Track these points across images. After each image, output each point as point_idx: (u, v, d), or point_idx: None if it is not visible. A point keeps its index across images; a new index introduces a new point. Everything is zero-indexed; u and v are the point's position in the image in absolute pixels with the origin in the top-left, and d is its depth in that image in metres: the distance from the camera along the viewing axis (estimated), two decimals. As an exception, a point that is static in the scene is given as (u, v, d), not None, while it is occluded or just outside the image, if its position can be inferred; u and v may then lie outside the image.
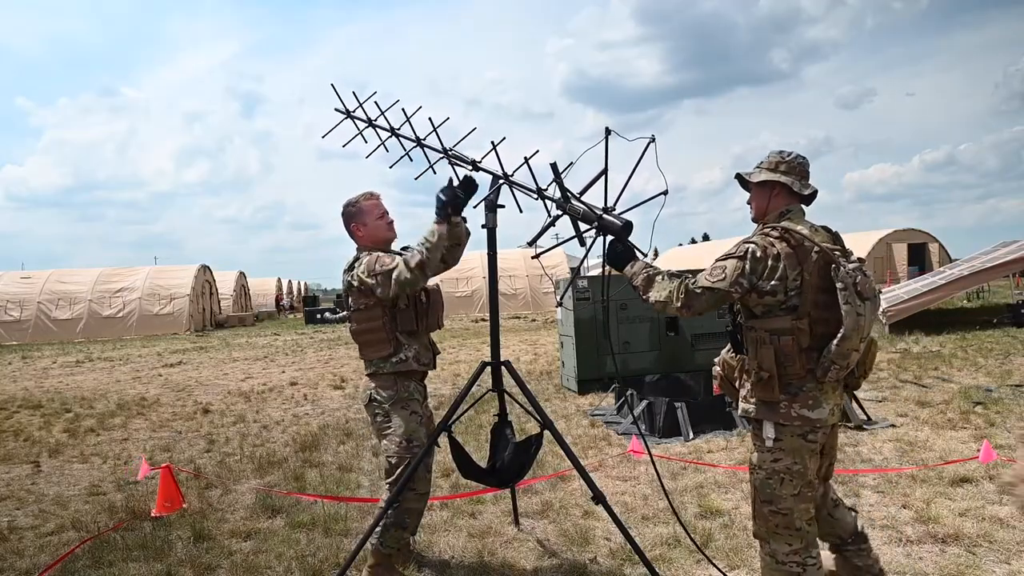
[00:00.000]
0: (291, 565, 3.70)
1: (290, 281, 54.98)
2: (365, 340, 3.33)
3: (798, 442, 2.66)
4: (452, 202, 2.99)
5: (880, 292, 15.70)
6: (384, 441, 3.31)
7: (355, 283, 3.25)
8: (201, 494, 5.04)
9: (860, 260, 2.66)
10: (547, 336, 16.94)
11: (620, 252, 2.85)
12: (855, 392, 6.48)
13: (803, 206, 2.85)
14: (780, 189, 2.77)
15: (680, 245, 70.89)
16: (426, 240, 3.05)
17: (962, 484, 4.48)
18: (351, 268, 3.31)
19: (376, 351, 3.29)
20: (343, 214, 3.43)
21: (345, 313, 3.50)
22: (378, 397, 3.29)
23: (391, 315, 3.28)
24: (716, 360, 3.08)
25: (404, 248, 3.44)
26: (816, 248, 2.61)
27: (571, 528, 4.02)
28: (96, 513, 4.72)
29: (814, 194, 2.81)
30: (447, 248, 3.01)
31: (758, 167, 2.84)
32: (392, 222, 3.47)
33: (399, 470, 3.23)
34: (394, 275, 3.10)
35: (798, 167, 2.79)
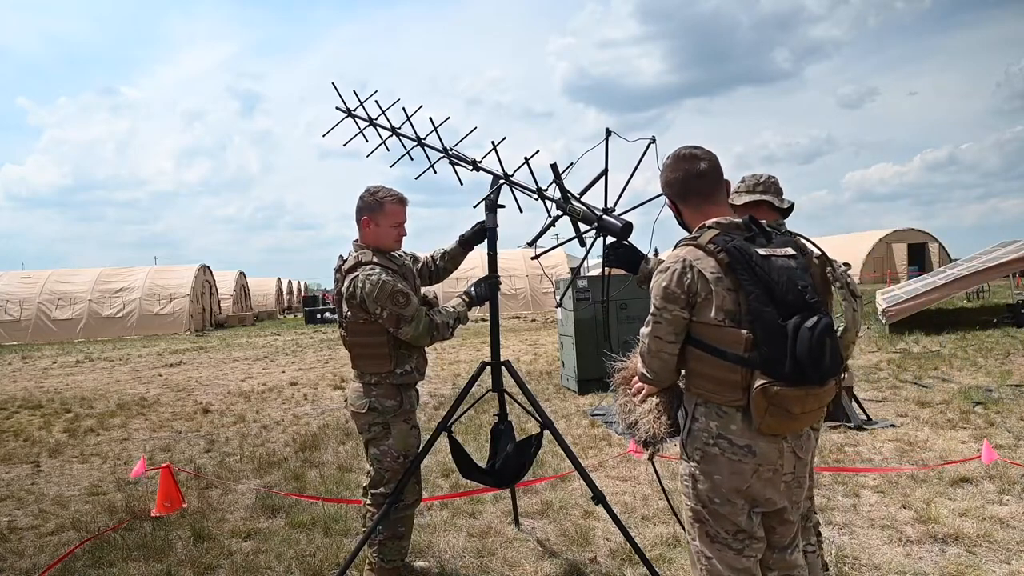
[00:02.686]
0: (291, 565, 3.70)
1: (290, 281, 54.98)
2: (363, 353, 3.14)
3: None
4: (490, 298, 3.38)
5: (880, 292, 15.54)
6: (375, 451, 3.17)
7: (356, 298, 3.04)
8: (201, 494, 5.04)
9: (847, 265, 2.90)
10: (547, 336, 16.94)
11: (623, 253, 2.83)
12: (854, 392, 6.51)
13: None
14: (765, 206, 2.95)
15: (680, 245, 70.73)
16: (457, 315, 3.22)
17: (962, 484, 4.48)
18: (351, 274, 3.07)
19: (376, 366, 3.12)
20: (361, 200, 3.16)
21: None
22: (379, 407, 3.12)
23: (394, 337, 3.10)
24: None
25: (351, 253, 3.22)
26: (816, 254, 2.80)
27: (571, 528, 4.02)
28: (96, 513, 4.72)
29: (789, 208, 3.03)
30: None
31: (736, 191, 2.97)
32: (404, 236, 3.25)
33: (392, 485, 3.15)
34: (408, 330, 3.01)
35: (773, 185, 2.99)
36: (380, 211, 3.13)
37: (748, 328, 1.97)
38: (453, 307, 3.26)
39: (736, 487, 2.05)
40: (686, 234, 2.22)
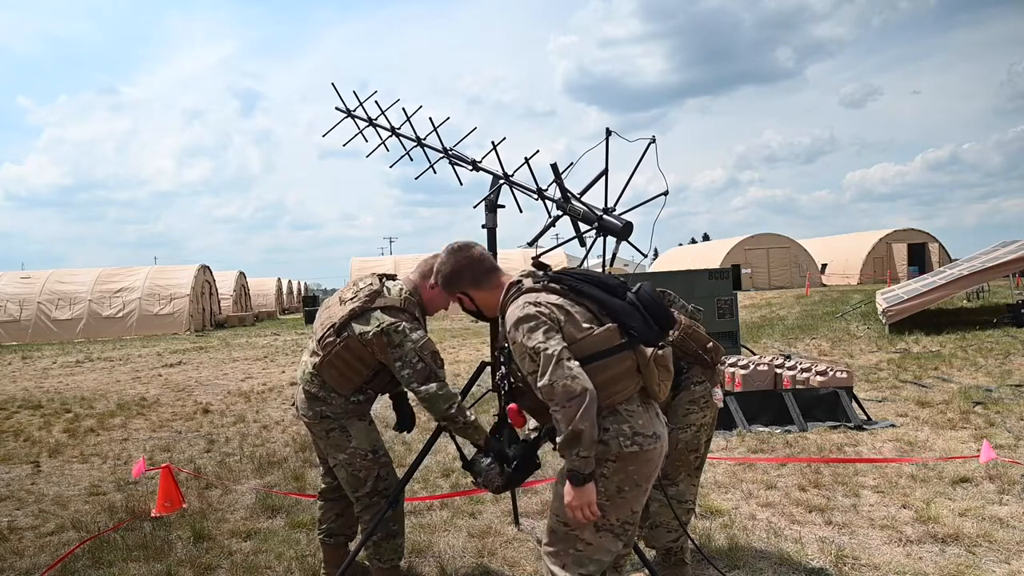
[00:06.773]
0: (291, 565, 3.70)
1: (290, 281, 54.93)
2: (339, 368, 3.03)
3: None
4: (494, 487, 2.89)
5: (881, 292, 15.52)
6: (343, 456, 3.11)
7: (396, 340, 2.92)
8: (201, 494, 5.04)
9: None
10: (547, 336, 16.90)
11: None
12: (854, 392, 6.51)
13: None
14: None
15: (680, 245, 70.88)
16: (474, 433, 2.92)
17: (962, 484, 4.48)
18: (395, 313, 2.97)
19: (342, 384, 3.05)
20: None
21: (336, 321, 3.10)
22: (331, 414, 3.10)
23: (375, 373, 3.06)
24: None
25: (386, 277, 3.16)
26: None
27: (571, 528, 4.02)
28: (96, 513, 4.72)
29: None
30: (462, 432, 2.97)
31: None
32: (443, 309, 3.19)
33: (370, 483, 3.13)
34: (433, 388, 2.87)
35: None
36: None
37: (610, 320, 2.22)
38: (476, 420, 2.96)
39: (649, 474, 2.26)
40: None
